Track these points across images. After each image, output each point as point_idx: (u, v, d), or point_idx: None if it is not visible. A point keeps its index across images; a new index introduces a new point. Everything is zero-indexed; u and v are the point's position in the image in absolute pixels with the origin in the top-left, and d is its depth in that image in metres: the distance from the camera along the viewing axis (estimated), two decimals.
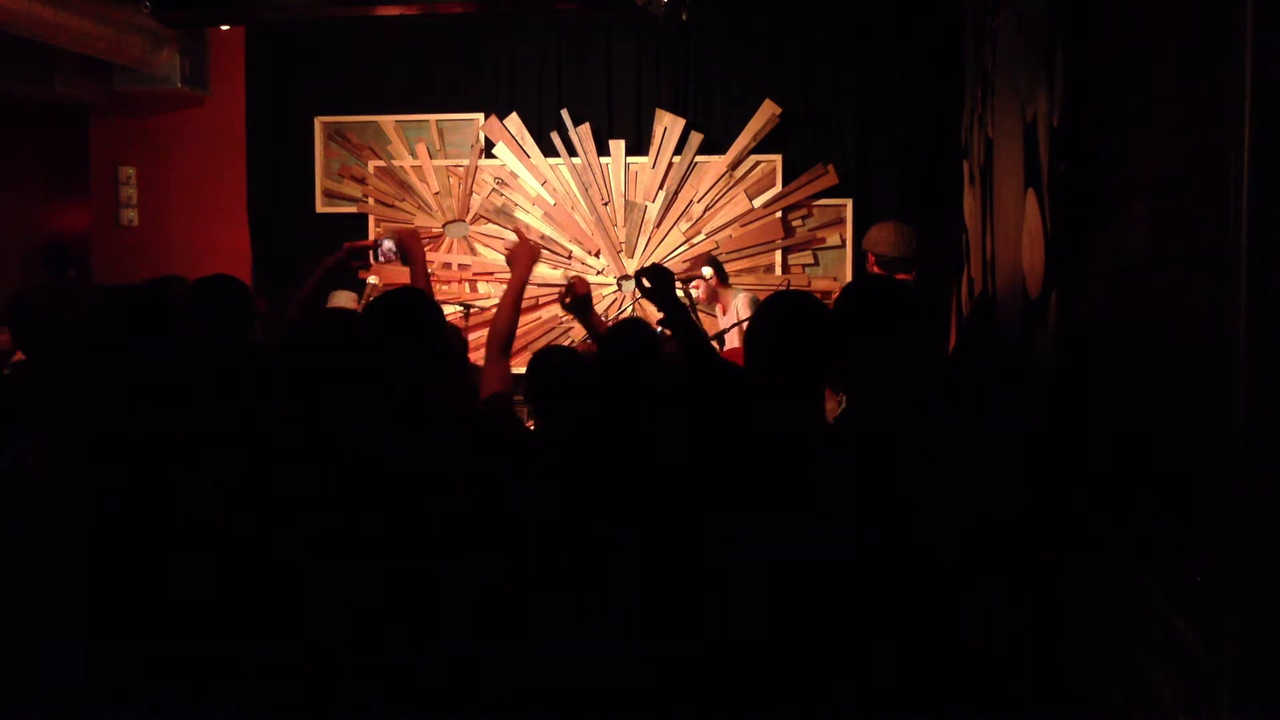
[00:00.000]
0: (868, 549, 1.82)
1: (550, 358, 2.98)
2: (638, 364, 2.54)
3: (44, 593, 1.89)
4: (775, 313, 2.14)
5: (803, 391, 2.03)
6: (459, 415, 2.29)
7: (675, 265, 6.84)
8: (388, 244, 3.37)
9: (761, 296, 6.08)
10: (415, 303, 2.49)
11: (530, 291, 7.05)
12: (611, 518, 2.12)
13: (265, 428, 2.07)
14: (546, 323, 7.02)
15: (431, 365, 2.30)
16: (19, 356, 3.35)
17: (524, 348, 6.41)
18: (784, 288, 5.65)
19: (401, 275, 4.45)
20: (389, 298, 2.50)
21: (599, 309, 6.91)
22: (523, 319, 7.05)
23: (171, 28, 6.56)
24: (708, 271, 6.05)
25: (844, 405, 2.22)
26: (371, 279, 5.85)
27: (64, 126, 7.30)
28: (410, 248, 3.25)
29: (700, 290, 6.03)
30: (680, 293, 6.04)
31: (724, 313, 6.07)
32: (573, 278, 3.63)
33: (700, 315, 5.82)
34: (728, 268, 6.36)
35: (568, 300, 3.35)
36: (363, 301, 5.81)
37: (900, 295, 2.10)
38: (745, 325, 5.64)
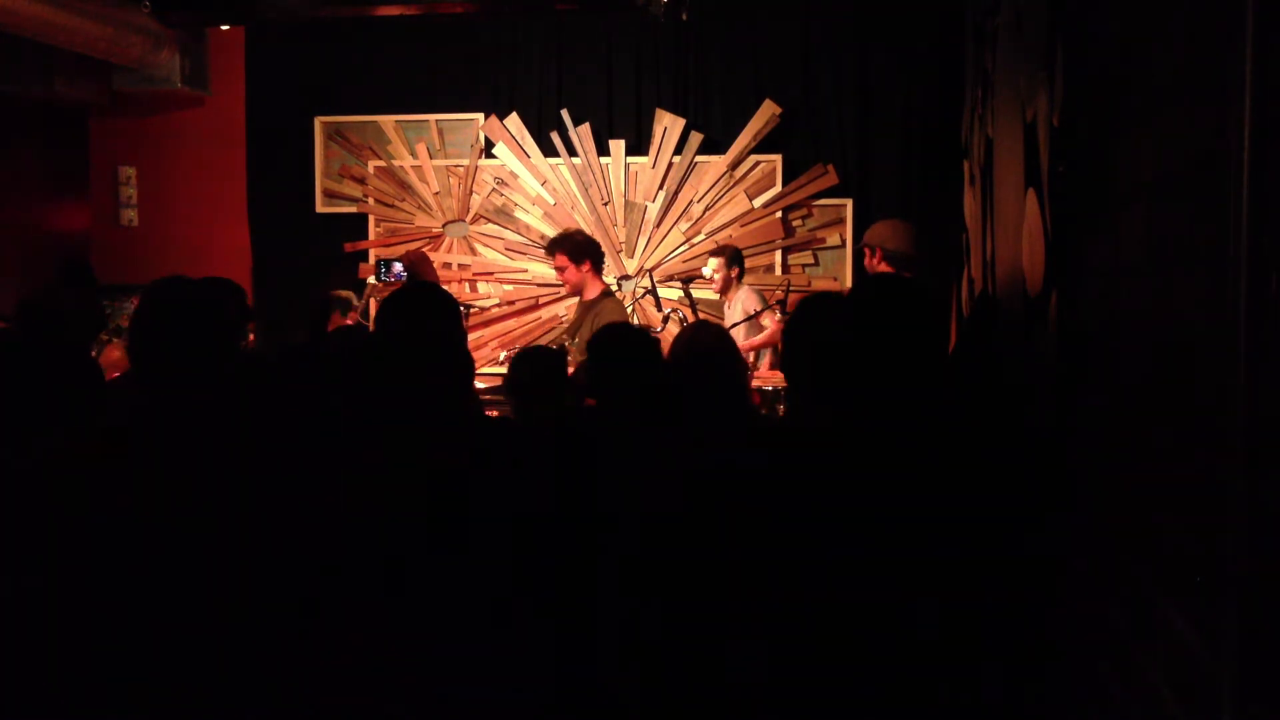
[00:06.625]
0: (867, 549, 1.81)
1: (531, 356, 3.06)
2: (622, 366, 2.57)
3: (47, 593, 1.88)
4: (815, 318, 2.10)
5: (841, 396, 2.00)
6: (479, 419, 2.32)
7: (676, 265, 6.85)
8: (398, 266, 3.40)
9: (766, 295, 6.06)
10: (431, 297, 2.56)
11: (530, 291, 7.06)
12: (602, 517, 2.12)
13: (277, 428, 2.08)
14: (546, 323, 7.02)
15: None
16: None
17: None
18: (784, 288, 5.63)
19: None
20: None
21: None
22: (522, 319, 7.09)
23: (171, 28, 6.56)
24: (707, 271, 6.03)
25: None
26: (371, 279, 5.88)
27: (64, 126, 7.31)
28: (423, 273, 3.27)
29: (716, 283, 5.97)
30: (680, 292, 6.07)
31: (728, 305, 6.01)
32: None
33: (701, 314, 5.82)
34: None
35: None
36: (363, 301, 5.83)
37: (914, 296, 2.08)
38: (767, 323, 5.65)
